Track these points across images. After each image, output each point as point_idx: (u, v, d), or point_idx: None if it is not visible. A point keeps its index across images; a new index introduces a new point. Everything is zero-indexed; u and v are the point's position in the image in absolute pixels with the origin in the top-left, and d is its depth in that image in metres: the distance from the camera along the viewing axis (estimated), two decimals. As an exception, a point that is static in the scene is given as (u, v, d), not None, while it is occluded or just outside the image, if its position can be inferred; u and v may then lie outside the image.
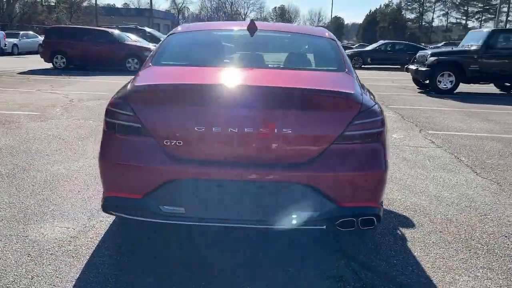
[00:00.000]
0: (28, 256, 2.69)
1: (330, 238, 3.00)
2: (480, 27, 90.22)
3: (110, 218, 3.26)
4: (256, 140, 2.30)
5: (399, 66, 22.52)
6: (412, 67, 12.92)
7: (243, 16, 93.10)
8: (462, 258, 2.79)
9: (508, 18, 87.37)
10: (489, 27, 79.82)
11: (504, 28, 19.77)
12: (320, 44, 3.32)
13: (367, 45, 37.08)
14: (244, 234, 2.99)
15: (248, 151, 2.33)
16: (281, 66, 2.99)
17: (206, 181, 2.33)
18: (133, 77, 3.02)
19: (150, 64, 2.91)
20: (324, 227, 2.40)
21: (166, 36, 3.36)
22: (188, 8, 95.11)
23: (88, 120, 6.86)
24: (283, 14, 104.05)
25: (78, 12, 46.33)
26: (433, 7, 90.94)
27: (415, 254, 2.83)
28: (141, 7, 61.21)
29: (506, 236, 3.13)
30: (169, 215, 2.38)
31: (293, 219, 2.34)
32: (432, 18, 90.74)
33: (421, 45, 33.54)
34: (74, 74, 14.35)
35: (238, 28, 3.48)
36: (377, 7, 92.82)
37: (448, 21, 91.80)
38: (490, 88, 13.24)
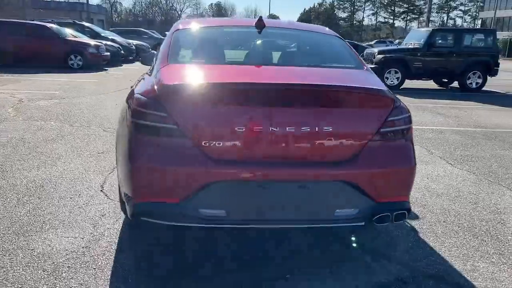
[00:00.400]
0: (44, 271, 2.47)
1: (347, 234, 3.05)
2: (406, 27, 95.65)
3: (117, 225, 3.09)
4: (297, 139, 2.29)
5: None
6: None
7: (179, 12, 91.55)
8: (473, 246, 2.97)
9: (425, 18, 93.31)
10: (427, 27, 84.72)
11: (443, 28, 21.09)
12: (330, 42, 3.35)
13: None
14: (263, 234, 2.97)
15: (289, 151, 2.30)
16: (306, 63, 2.97)
17: (247, 182, 2.28)
18: (148, 75, 2.88)
19: (166, 61, 2.76)
20: (363, 223, 2.44)
21: (170, 32, 3.23)
22: (120, 3, 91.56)
23: (49, 121, 6.41)
24: (219, 11, 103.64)
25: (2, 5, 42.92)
26: (363, 6, 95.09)
27: (431, 245, 2.96)
28: (71, 0, 58.01)
29: (501, 223, 3.37)
30: (209, 219, 2.30)
31: (334, 217, 2.36)
32: (363, 17, 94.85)
33: (354, 42, 34.78)
34: (11, 72, 13.32)
35: (246, 24, 3.42)
36: (311, 6, 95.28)
37: (377, 20, 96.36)
38: (429, 84, 14.13)
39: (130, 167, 2.35)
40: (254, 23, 3.27)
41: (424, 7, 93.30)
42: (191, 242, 2.89)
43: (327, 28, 3.66)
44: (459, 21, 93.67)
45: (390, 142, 2.43)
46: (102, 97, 8.96)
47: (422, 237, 3.07)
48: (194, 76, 2.54)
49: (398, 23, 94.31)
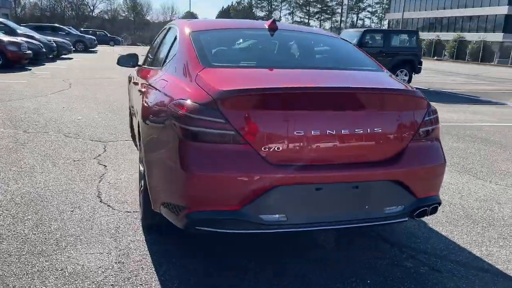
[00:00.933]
0: (88, 292, 2.30)
1: (367, 230, 3.20)
2: (320, 26, 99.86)
3: (139, 236, 2.94)
4: (351, 141, 2.36)
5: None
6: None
7: (92, 7, 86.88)
8: (479, 232, 3.27)
9: (342, 18, 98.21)
10: (341, 27, 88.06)
11: (374, 29, 22.29)
12: (342, 44, 3.46)
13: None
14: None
15: (343, 152, 2.37)
16: (337, 66, 3.03)
17: (306, 186, 2.30)
18: (174, 79, 2.73)
19: (200, 65, 2.66)
20: (406, 219, 2.59)
21: (184, 34, 3.10)
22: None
23: (-3, 128, 5.83)
24: (134, 7, 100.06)
25: None
26: (280, 6, 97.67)
27: (443, 234, 3.21)
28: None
29: (490, 210, 3.74)
30: (271, 224, 2.29)
31: (384, 215, 2.48)
32: (280, 17, 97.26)
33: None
34: None
35: (259, 26, 3.40)
36: (230, 4, 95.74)
37: (294, 20, 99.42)
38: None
39: (184, 176, 2.26)
40: (267, 25, 3.28)
41: (336, 7, 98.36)
42: (222, 247, 2.85)
43: (327, 31, 3.77)
44: (367, 22, 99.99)
45: (426, 141, 2.60)
46: (43, 100, 8.29)
47: (433, 228, 3.31)
48: (246, 81, 2.49)
49: (313, 22, 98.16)
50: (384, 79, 2.83)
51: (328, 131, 2.30)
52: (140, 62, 4.36)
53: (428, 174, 2.59)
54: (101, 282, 2.39)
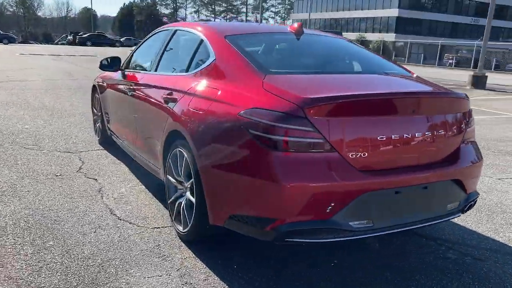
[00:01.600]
0: (177, 320, 2.11)
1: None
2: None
3: (189, 253, 2.76)
4: (423, 144, 2.46)
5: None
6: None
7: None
8: (488, 220, 3.60)
9: (248, 18, 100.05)
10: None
11: None
12: (363, 50, 3.54)
13: (134, 39, 36.82)
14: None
15: (416, 155, 2.46)
16: (383, 71, 3.07)
17: (388, 190, 2.35)
18: (246, 88, 2.55)
19: (260, 72, 2.56)
20: (460, 215, 2.76)
21: (217, 38, 2.95)
22: None
23: None
24: (24, 2, 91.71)
25: None
26: (185, 4, 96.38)
27: (462, 224, 3.47)
28: None
29: (482, 198, 4.11)
30: (359, 231, 2.30)
31: (447, 212, 2.63)
32: (185, 15, 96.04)
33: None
34: None
35: (288, 31, 3.34)
36: (132, 1, 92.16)
37: (200, 18, 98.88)
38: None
39: (272, 188, 2.18)
40: (294, 30, 3.27)
41: (241, 7, 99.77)
42: (277, 253, 2.79)
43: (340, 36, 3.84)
44: (271, 21, 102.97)
45: (470, 140, 2.81)
46: (-32, 107, 7.30)
47: (455, 221, 3.55)
48: (323, 88, 2.46)
49: (219, 21, 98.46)
50: (428, 83, 2.98)
51: (405, 135, 2.38)
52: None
53: (476, 171, 2.79)
54: (184, 307, 2.21)
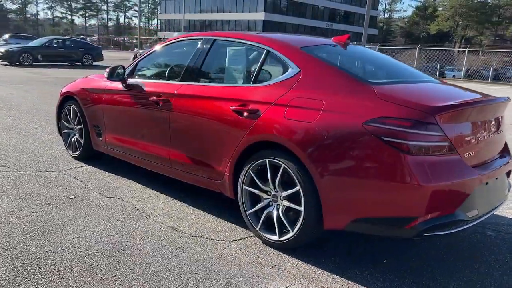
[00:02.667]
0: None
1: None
2: (85, 24, 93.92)
3: (293, 259, 2.83)
4: (496, 140, 2.98)
5: (68, 64, 21.59)
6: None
7: None
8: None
9: (109, 16, 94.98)
10: (108, 24, 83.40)
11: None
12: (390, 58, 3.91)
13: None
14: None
15: (494, 151, 2.97)
16: (432, 79, 3.43)
17: (485, 182, 2.78)
18: (357, 98, 2.68)
19: (364, 83, 2.73)
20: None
21: (292, 50, 3.04)
22: None
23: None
24: None
25: None
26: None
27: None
28: None
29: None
30: (471, 220, 2.66)
31: (505, 197, 3.13)
32: (37, 11, 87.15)
33: (83, 39, 31.75)
34: None
35: (340, 42, 3.51)
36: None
37: (55, 15, 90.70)
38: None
39: (410, 189, 2.43)
40: (343, 41, 3.50)
41: (101, 4, 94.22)
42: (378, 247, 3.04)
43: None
44: (135, 21, 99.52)
45: None
46: None
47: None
48: (433, 97, 2.77)
49: (78, 19, 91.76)
50: (470, 89, 3.48)
51: (491, 134, 2.86)
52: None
53: None
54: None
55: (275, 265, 2.76)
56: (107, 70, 4.15)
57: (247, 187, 3.11)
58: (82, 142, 4.71)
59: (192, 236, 3.11)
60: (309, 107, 2.79)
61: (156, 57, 4.25)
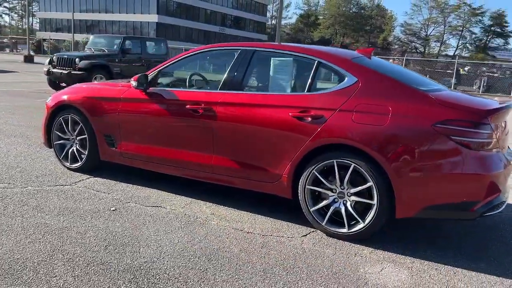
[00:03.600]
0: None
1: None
2: None
3: (379, 252, 3.21)
4: (506, 137, 3.63)
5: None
6: (57, 70, 12.40)
7: None
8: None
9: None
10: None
11: (132, 36, 20.60)
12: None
13: None
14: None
15: (506, 145, 3.64)
16: (444, 87, 3.99)
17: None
18: (417, 103, 3.15)
19: (419, 90, 3.23)
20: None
21: (347, 61, 3.40)
22: None
23: None
24: None
25: None
26: None
27: None
28: None
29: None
30: (504, 202, 3.26)
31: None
32: None
33: None
34: None
35: (365, 54, 3.91)
36: None
37: None
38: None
39: (477, 178, 3.03)
40: (369, 52, 3.97)
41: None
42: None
43: None
44: (6, 19, 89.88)
45: None
46: None
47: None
48: (472, 102, 3.31)
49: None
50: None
51: (504, 133, 3.54)
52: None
53: None
54: None
55: (356, 254, 3.11)
56: (135, 78, 4.07)
57: (310, 186, 3.40)
58: (86, 152, 4.50)
59: (264, 235, 3.31)
60: (377, 112, 3.18)
61: (182, 66, 4.27)
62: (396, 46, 74.77)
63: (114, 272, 2.60)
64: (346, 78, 3.41)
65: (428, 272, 2.90)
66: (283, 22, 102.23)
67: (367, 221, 3.22)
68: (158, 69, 4.24)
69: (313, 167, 3.35)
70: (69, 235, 3.05)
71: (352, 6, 77.90)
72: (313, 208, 3.41)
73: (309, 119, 3.35)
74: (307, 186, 3.41)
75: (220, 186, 4.01)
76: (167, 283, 2.53)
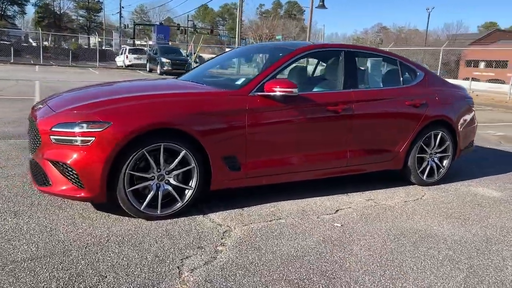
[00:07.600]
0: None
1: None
2: None
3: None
4: None
5: None
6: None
7: None
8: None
9: None
10: None
11: None
12: None
13: None
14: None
15: None
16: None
17: None
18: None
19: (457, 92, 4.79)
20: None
21: (409, 62, 4.53)
22: None
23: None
24: None
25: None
26: None
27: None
28: None
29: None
30: None
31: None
32: None
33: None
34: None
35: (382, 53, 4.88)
36: None
37: None
38: None
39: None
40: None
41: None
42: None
43: None
44: None
45: None
46: None
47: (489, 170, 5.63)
48: None
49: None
50: None
51: None
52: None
53: None
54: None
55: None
56: (289, 85, 3.56)
57: (418, 155, 4.54)
58: (193, 186, 3.42)
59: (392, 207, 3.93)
60: (445, 96, 4.65)
61: (294, 69, 4.05)
62: None
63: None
64: (418, 73, 4.61)
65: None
66: None
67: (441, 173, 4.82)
68: (272, 73, 3.80)
69: (420, 140, 4.47)
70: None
71: None
72: (419, 170, 4.59)
73: (419, 105, 4.42)
74: (417, 155, 4.51)
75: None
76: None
